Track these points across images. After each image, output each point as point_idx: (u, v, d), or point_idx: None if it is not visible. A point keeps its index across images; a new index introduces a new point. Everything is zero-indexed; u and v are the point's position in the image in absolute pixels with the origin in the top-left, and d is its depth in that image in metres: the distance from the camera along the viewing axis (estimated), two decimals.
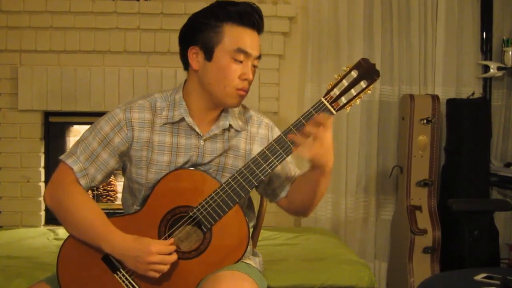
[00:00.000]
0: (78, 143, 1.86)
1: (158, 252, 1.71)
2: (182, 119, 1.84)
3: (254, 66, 1.84)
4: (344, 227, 3.68)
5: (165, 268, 1.73)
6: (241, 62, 1.79)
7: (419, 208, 3.49)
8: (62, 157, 1.85)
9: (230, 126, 1.88)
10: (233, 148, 1.89)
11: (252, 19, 1.80)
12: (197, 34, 1.82)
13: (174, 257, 1.75)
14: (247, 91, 1.83)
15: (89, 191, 2.08)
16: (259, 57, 1.84)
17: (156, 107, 1.86)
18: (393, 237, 3.72)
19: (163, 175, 1.81)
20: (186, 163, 1.85)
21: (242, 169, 1.75)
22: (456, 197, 3.45)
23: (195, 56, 1.83)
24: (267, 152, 1.73)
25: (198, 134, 1.85)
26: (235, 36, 1.78)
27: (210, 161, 1.86)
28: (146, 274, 1.73)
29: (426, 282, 2.38)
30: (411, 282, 3.41)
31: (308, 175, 1.85)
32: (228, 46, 1.78)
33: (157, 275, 1.74)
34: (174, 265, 1.76)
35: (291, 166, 1.96)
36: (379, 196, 3.74)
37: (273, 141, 1.74)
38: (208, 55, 1.80)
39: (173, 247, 1.75)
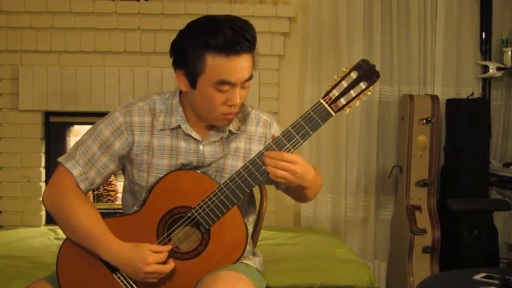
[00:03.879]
0: (77, 146, 1.85)
1: (155, 262, 1.72)
2: (179, 126, 1.84)
3: (244, 87, 1.77)
4: (344, 227, 3.69)
5: (162, 276, 1.75)
6: (226, 91, 1.73)
7: (418, 208, 3.49)
8: (60, 159, 1.85)
9: (229, 131, 1.87)
10: (232, 149, 1.89)
11: (236, 47, 1.68)
12: (182, 59, 1.76)
13: (171, 266, 1.76)
14: (236, 113, 1.80)
15: (89, 192, 2.08)
16: (249, 78, 1.76)
17: (156, 109, 1.85)
18: (392, 237, 3.72)
19: (162, 176, 1.81)
20: (186, 166, 1.84)
21: (241, 170, 1.74)
22: (456, 197, 3.46)
23: (182, 78, 1.79)
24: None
25: (196, 139, 1.85)
26: (217, 67, 1.69)
27: (210, 164, 1.86)
28: (144, 281, 1.75)
29: (425, 282, 2.38)
30: (410, 282, 3.41)
31: (292, 189, 1.89)
32: (210, 78, 1.71)
33: (155, 281, 1.76)
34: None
35: None
36: (378, 196, 3.74)
37: (272, 142, 1.73)
38: (192, 83, 1.75)
39: (167, 254, 1.76)
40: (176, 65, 1.80)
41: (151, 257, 1.72)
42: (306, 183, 1.79)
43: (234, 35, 1.68)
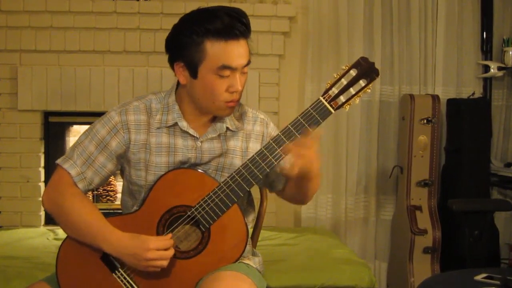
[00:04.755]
0: (74, 147, 1.85)
1: (155, 248, 1.71)
2: (176, 123, 1.83)
3: (244, 73, 1.79)
4: (344, 227, 3.68)
5: (164, 263, 1.73)
6: (227, 76, 1.75)
7: (419, 208, 3.49)
8: (58, 161, 1.85)
9: (227, 128, 1.87)
10: (231, 147, 1.88)
11: (234, 31, 1.71)
12: (180, 51, 1.77)
13: (171, 252, 1.74)
14: (237, 101, 1.81)
15: (89, 192, 2.07)
16: (248, 63, 1.78)
17: (152, 108, 1.85)
18: (393, 237, 3.72)
19: (161, 175, 1.80)
20: (184, 163, 1.84)
21: (241, 168, 1.74)
22: (456, 197, 3.45)
23: (182, 71, 1.79)
24: (265, 151, 1.73)
25: (193, 136, 1.84)
26: (217, 52, 1.72)
27: (209, 161, 1.86)
28: (146, 270, 1.74)
29: (426, 282, 2.38)
30: (411, 282, 3.41)
31: (296, 180, 1.85)
32: (211, 64, 1.73)
33: (157, 270, 1.74)
34: (172, 264, 1.76)
35: (286, 159, 1.95)
36: (379, 196, 3.73)
37: (271, 140, 1.73)
38: (193, 73, 1.76)
39: (171, 242, 1.74)
40: (174, 58, 1.80)
41: (152, 243, 1.71)
42: (314, 171, 1.77)
43: (231, 20, 1.72)
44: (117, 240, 1.74)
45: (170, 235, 1.76)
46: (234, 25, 1.71)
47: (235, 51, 1.73)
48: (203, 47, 1.72)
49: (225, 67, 1.73)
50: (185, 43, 1.74)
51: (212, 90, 1.76)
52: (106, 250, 1.76)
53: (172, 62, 1.82)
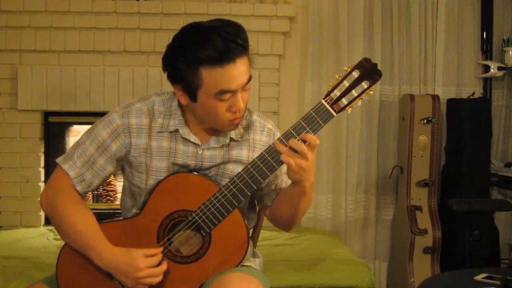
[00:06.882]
0: (75, 147, 1.83)
1: (146, 267, 1.70)
2: (178, 129, 1.80)
3: (246, 90, 1.73)
4: (344, 227, 3.68)
5: (155, 280, 1.72)
6: (228, 99, 1.68)
7: (419, 208, 3.49)
8: (58, 160, 1.82)
9: (231, 138, 1.83)
10: (233, 156, 1.84)
11: (229, 55, 1.63)
12: (176, 76, 1.72)
13: (164, 268, 1.73)
14: (241, 117, 1.77)
15: (88, 193, 2.05)
16: (249, 80, 1.71)
17: (154, 110, 1.82)
18: (393, 237, 3.72)
19: (161, 179, 1.78)
20: (183, 168, 1.81)
21: (242, 173, 1.72)
22: (457, 197, 3.45)
23: (181, 93, 1.75)
24: (266, 155, 1.71)
25: (195, 143, 1.81)
26: (214, 79, 1.64)
27: (209, 167, 1.83)
28: (136, 287, 1.72)
29: (426, 282, 2.38)
30: (411, 282, 3.41)
31: (289, 192, 1.81)
32: (209, 90, 1.66)
33: (146, 287, 1.73)
34: (174, 269, 1.75)
35: (284, 177, 1.91)
36: (379, 196, 3.73)
37: (273, 144, 1.70)
38: (192, 97, 1.71)
39: (160, 257, 1.73)
40: (172, 80, 1.76)
41: (142, 262, 1.69)
42: (307, 182, 1.71)
43: (225, 44, 1.63)
44: (106, 254, 1.72)
45: (161, 248, 1.74)
46: (229, 49, 1.63)
47: (233, 74, 1.65)
48: (199, 74, 1.66)
49: (224, 91, 1.67)
50: (180, 69, 1.69)
51: (214, 112, 1.71)
52: (96, 263, 1.74)
53: (170, 82, 1.78)
